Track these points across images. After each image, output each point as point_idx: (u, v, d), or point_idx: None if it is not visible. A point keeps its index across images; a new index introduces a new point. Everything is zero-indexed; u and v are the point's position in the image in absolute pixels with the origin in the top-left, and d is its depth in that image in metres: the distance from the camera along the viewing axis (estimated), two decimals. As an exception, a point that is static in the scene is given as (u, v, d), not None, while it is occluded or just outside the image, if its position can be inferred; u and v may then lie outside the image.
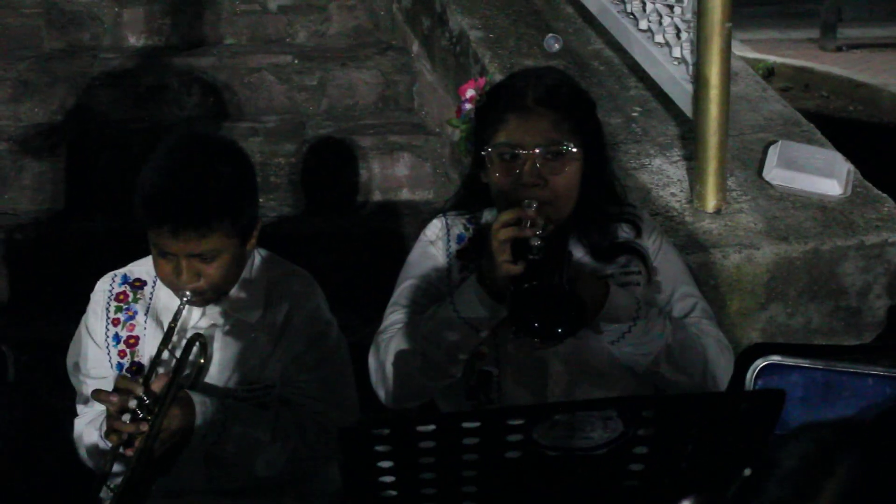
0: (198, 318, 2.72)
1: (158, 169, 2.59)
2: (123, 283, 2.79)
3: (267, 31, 5.18)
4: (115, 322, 2.75)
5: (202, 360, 2.67)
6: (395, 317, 2.61)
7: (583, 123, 2.59)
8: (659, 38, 3.84)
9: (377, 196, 4.61)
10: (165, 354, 2.62)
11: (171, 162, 2.60)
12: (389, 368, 2.53)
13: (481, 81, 2.76)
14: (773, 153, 3.70)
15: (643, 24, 3.92)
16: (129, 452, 2.48)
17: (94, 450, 2.69)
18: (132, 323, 2.75)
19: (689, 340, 2.55)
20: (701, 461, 1.88)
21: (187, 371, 2.64)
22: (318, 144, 4.61)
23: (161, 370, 2.61)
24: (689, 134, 3.67)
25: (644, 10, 3.93)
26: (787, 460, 1.24)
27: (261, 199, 2.82)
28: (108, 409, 2.52)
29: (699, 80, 3.44)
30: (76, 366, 2.80)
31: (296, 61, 4.92)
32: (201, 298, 2.66)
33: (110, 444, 2.52)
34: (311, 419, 2.71)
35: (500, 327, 2.49)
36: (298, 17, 5.19)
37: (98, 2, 5.10)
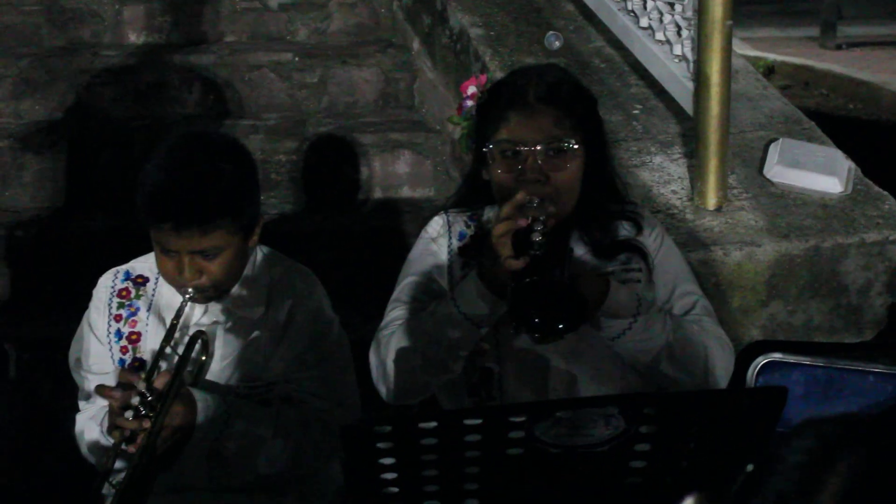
0: (200, 315, 2.72)
1: (160, 167, 2.60)
2: (126, 280, 2.79)
3: (268, 28, 5.18)
4: (118, 318, 2.76)
5: (204, 358, 2.68)
6: (396, 313, 2.61)
7: (584, 120, 2.59)
8: (660, 36, 3.84)
9: (378, 193, 4.62)
10: (168, 351, 2.63)
11: (174, 160, 2.60)
12: (390, 365, 2.53)
13: (483, 78, 2.76)
14: (773, 151, 3.70)
15: (644, 22, 3.92)
16: (132, 449, 2.48)
17: (95, 446, 2.69)
18: (134, 319, 2.75)
19: (690, 338, 2.55)
20: (703, 458, 1.88)
21: (189, 368, 2.64)
22: (318, 142, 4.61)
23: (163, 367, 2.61)
24: (690, 131, 3.67)
25: (645, 8, 3.93)
26: (790, 456, 1.24)
27: (261, 197, 2.82)
28: (110, 406, 2.53)
29: (700, 77, 3.44)
30: (78, 361, 2.80)
31: (296, 59, 4.91)
32: (203, 295, 2.66)
33: (112, 441, 2.53)
34: (312, 416, 2.71)
35: (501, 324, 2.49)
36: (299, 14, 5.19)
37: (98, -1, 5.11)
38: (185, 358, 2.61)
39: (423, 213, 4.27)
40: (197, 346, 2.65)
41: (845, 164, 3.67)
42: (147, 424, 2.48)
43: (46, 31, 5.07)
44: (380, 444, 1.78)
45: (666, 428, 1.83)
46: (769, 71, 8.86)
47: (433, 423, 1.77)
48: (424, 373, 2.53)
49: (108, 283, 2.79)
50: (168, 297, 2.73)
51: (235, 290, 2.73)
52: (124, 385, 2.53)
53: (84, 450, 2.75)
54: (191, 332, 2.67)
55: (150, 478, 2.57)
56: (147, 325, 2.75)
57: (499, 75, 3.58)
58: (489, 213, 2.68)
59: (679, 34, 3.74)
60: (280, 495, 2.77)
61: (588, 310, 2.38)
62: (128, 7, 5.11)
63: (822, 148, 3.75)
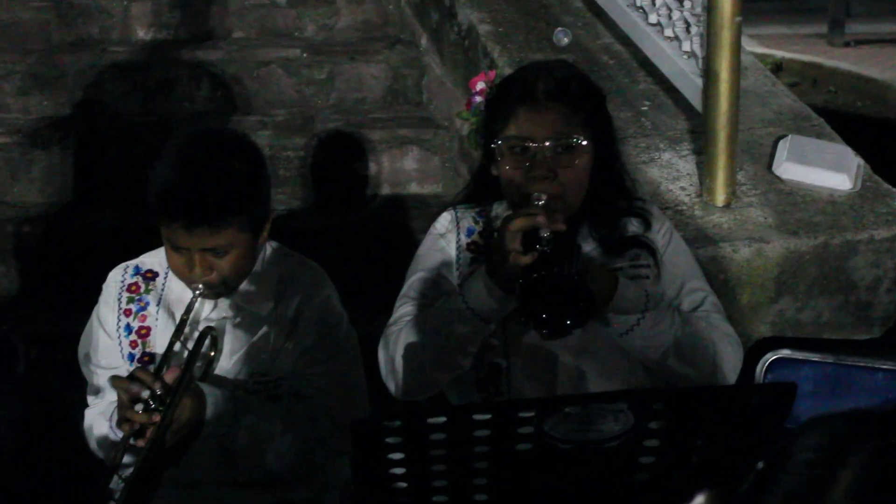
0: (209, 311, 2.72)
1: (172, 164, 2.60)
2: (136, 274, 2.79)
3: (276, 24, 5.18)
4: (127, 313, 2.76)
5: (213, 353, 2.68)
6: (404, 309, 2.61)
7: (593, 116, 2.59)
8: (668, 33, 3.83)
9: (386, 190, 4.62)
10: (177, 346, 2.63)
11: (185, 157, 2.61)
12: (399, 361, 2.53)
13: (491, 74, 2.77)
14: (782, 147, 3.69)
15: (653, 18, 3.92)
16: (141, 443, 2.49)
17: (104, 441, 2.70)
18: (144, 314, 2.76)
19: (698, 334, 2.55)
20: (712, 454, 1.88)
21: (198, 363, 2.65)
22: (326, 138, 4.62)
23: (173, 361, 2.62)
24: (699, 128, 3.67)
25: (654, 5, 3.93)
26: (801, 452, 1.24)
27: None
28: (120, 399, 2.53)
29: (709, 74, 3.44)
30: (87, 356, 2.80)
31: (305, 55, 4.92)
32: (213, 292, 2.67)
33: (121, 435, 2.53)
34: (321, 412, 2.71)
35: (509, 319, 2.49)
36: (307, 10, 5.19)
37: (107, -5, 5.12)
38: (194, 353, 2.61)
39: (430, 209, 4.28)
40: (206, 342, 2.65)
41: (854, 160, 3.67)
42: (156, 418, 2.48)
43: (55, 27, 5.07)
44: (389, 439, 1.77)
45: (675, 424, 1.83)
46: (777, 68, 8.83)
47: (442, 419, 1.77)
48: (433, 368, 2.53)
49: (117, 278, 2.80)
50: (177, 291, 2.73)
51: (244, 285, 2.73)
52: (137, 378, 2.53)
53: (93, 444, 2.75)
54: (200, 327, 2.67)
55: (159, 472, 2.58)
56: (157, 319, 2.75)
57: (507, 71, 3.58)
58: (497, 209, 2.68)
59: (688, 30, 3.74)
60: (288, 490, 2.78)
61: (596, 306, 2.38)
62: (136, 3, 5.11)
63: (831, 145, 3.74)
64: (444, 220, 2.71)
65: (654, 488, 1.90)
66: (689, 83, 3.67)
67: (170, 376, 2.54)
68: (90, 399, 2.79)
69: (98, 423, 2.72)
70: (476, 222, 2.69)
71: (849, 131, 3.99)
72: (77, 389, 2.89)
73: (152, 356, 2.71)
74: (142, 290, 2.78)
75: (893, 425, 1.25)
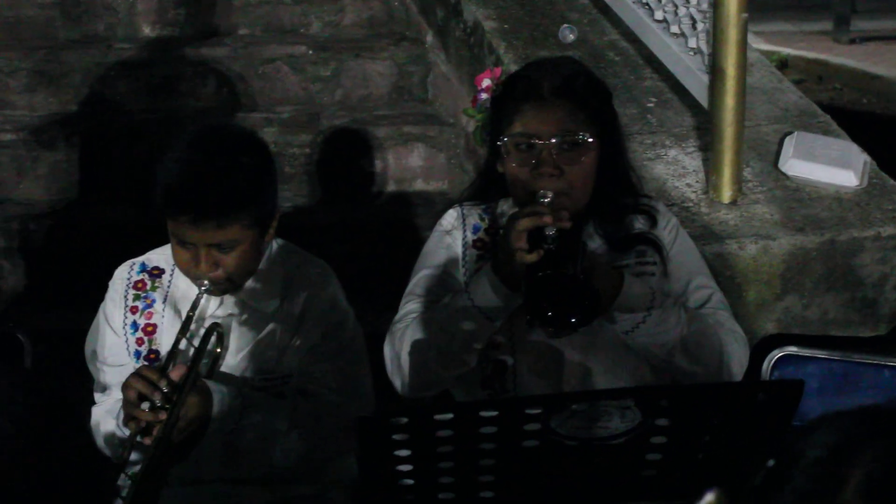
0: (215, 308, 2.73)
1: (180, 159, 2.61)
2: (142, 272, 2.79)
3: (281, 21, 5.17)
4: (133, 310, 2.76)
5: (219, 350, 2.68)
6: (410, 306, 2.61)
7: (599, 113, 2.59)
8: (674, 29, 3.83)
9: (391, 186, 4.61)
10: (183, 343, 2.63)
11: (193, 152, 2.61)
12: (405, 358, 2.53)
13: (497, 71, 2.76)
14: (789, 144, 3.69)
15: (659, 15, 3.91)
16: (148, 441, 2.49)
17: (111, 438, 2.70)
18: (150, 311, 2.76)
19: (705, 331, 2.54)
20: (718, 451, 1.88)
21: (204, 360, 2.65)
22: (332, 135, 4.61)
23: (179, 359, 2.62)
24: (705, 124, 3.66)
25: (660, 1, 3.92)
26: (812, 450, 1.23)
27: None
28: (126, 397, 2.53)
29: (715, 70, 3.43)
30: (94, 353, 2.81)
31: (310, 52, 4.91)
32: (219, 288, 2.67)
33: (128, 432, 2.53)
34: (327, 409, 2.71)
35: (515, 317, 2.49)
36: (313, 7, 5.17)
37: (112, -8, 5.11)
38: (200, 350, 2.61)
39: (436, 206, 4.28)
40: (212, 339, 2.65)
41: (861, 157, 3.66)
42: (163, 416, 2.48)
43: (61, 24, 5.07)
44: (395, 436, 1.78)
45: (682, 420, 1.83)
46: (782, 65, 8.82)
47: (449, 415, 1.77)
48: (439, 365, 2.53)
49: (123, 275, 2.80)
50: (184, 288, 2.73)
51: (250, 282, 2.73)
52: (144, 377, 2.53)
53: (100, 442, 2.75)
54: (206, 324, 2.67)
55: (166, 469, 2.58)
56: (163, 317, 2.75)
57: (513, 68, 3.57)
58: (503, 206, 2.68)
59: (694, 27, 3.74)
60: (294, 487, 2.78)
61: (602, 303, 2.38)
62: (141, 0, 5.11)
63: (838, 141, 3.74)
64: (450, 217, 2.71)
65: (661, 485, 1.91)
66: (696, 80, 3.66)
67: (176, 374, 2.54)
68: (97, 396, 2.79)
69: (105, 420, 2.72)
70: (482, 219, 2.69)
71: (854, 128, 3.98)
72: (83, 386, 2.89)
73: (158, 353, 2.71)
74: (148, 287, 2.78)
75: (903, 423, 1.25)
